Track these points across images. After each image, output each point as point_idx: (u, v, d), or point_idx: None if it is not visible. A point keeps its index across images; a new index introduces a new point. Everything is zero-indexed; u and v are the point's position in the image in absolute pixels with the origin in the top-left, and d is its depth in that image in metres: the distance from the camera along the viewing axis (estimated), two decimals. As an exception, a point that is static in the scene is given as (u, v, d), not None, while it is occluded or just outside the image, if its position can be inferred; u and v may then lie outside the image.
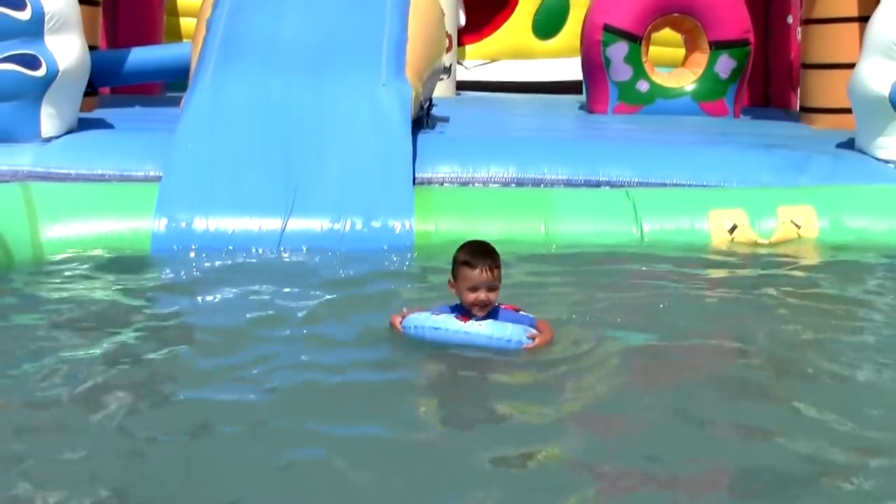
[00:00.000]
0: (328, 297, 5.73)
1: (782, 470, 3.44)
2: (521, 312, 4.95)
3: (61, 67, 7.83)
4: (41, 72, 7.76)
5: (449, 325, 4.78)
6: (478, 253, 4.84)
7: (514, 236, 6.54)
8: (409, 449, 3.62)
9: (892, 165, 8.13)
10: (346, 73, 7.94)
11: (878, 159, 8.20)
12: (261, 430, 3.75)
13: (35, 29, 7.73)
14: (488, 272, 4.77)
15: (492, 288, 4.80)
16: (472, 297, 4.78)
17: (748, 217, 6.93)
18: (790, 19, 14.09)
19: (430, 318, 4.83)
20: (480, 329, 4.75)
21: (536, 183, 7.58)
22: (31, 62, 7.72)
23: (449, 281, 4.94)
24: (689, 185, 7.62)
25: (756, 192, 7.32)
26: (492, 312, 4.85)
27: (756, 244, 6.86)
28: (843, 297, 5.93)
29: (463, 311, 4.82)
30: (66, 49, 7.89)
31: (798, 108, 12.25)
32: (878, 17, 8.28)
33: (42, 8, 7.73)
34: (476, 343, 4.73)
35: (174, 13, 15.85)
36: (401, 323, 4.89)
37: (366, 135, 7.44)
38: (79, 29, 8.07)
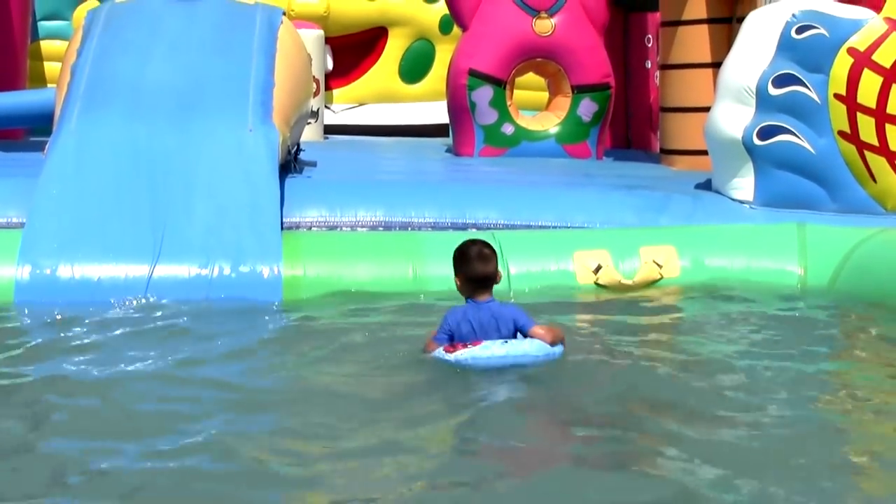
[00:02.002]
0: (197, 347, 5.66)
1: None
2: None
3: (-79, 113, 7.69)
4: None
5: (491, 351, 5.23)
6: (478, 247, 5.43)
7: (382, 280, 6.58)
8: None
9: (746, 205, 8.32)
10: (213, 118, 7.90)
11: (733, 199, 8.41)
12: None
13: None
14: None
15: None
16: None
17: (612, 257, 7.01)
18: (648, 64, 14.33)
19: (470, 352, 5.22)
20: (509, 351, 5.23)
21: (404, 226, 7.61)
22: None
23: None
24: (555, 227, 7.71)
25: (619, 232, 7.44)
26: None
27: (620, 284, 6.94)
28: (705, 334, 6.10)
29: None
30: (-73, 95, 7.76)
31: (658, 150, 12.44)
32: (730, 64, 8.52)
33: None
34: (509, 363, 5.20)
35: (38, 58, 15.61)
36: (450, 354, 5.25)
37: (233, 180, 7.41)
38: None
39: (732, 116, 8.32)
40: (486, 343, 5.22)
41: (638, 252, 7.09)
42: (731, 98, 8.37)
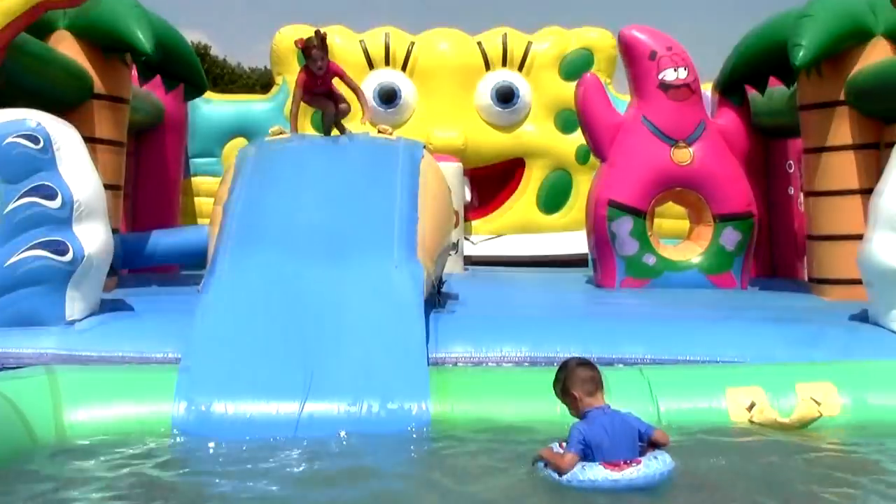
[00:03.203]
0: (346, 484, 5.67)
1: None
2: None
3: (87, 253, 7.95)
4: (68, 257, 7.86)
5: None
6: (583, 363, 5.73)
7: (530, 416, 6.49)
8: None
9: (910, 339, 7.97)
10: (360, 255, 8.02)
11: (894, 332, 8.08)
12: None
13: (64, 217, 7.88)
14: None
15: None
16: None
17: (766, 394, 6.77)
18: (791, 190, 14.19)
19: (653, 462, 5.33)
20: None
21: (549, 362, 7.50)
22: (59, 248, 7.84)
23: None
24: (704, 362, 7.57)
25: (773, 368, 7.20)
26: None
27: (776, 422, 6.65)
28: (871, 479, 5.76)
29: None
30: (92, 235, 8.01)
31: (807, 279, 12.24)
32: (886, 191, 8.20)
33: (72, 197, 7.88)
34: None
35: (190, 193, 16.06)
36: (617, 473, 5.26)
37: (380, 317, 7.45)
38: (104, 216, 8.19)
39: (889, 245, 8.02)
40: (644, 460, 5.31)
41: (794, 389, 6.79)
42: (887, 226, 8.07)
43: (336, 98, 9.97)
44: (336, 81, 10.08)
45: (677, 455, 5.62)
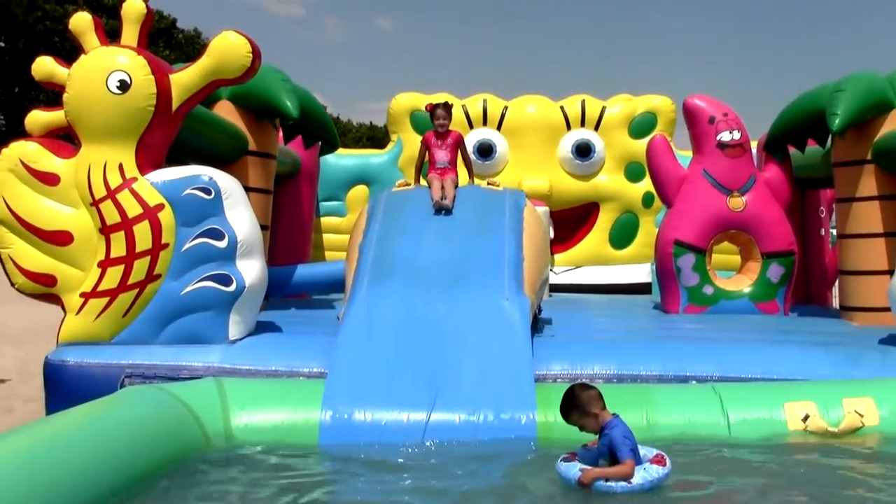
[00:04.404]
0: (466, 477, 5.74)
1: None
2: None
3: (247, 283, 7.98)
4: (232, 287, 7.90)
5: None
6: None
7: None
8: None
9: (932, 360, 7.85)
10: (476, 289, 7.96)
11: (919, 354, 7.95)
12: None
13: (229, 254, 7.92)
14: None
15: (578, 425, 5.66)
16: None
17: (818, 408, 6.70)
18: (822, 231, 14.16)
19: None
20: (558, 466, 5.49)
21: (634, 378, 7.45)
22: (224, 280, 7.88)
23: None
24: (763, 379, 7.41)
25: (822, 385, 7.08)
26: (604, 427, 5.52)
27: (827, 432, 6.58)
28: None
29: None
30: (251, 269, 8.04)
31: (836, 306, 12.12)
32: None
33: (236, 237, 7.92)
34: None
35: (318, 230, 16.21)
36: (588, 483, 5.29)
37: (494, 341, 7.40)
38: (261, 252, 8.24)
39: (914, 280, 7.95)
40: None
41: (841, 403, 6.74)
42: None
43: (451, 168, 9.89)
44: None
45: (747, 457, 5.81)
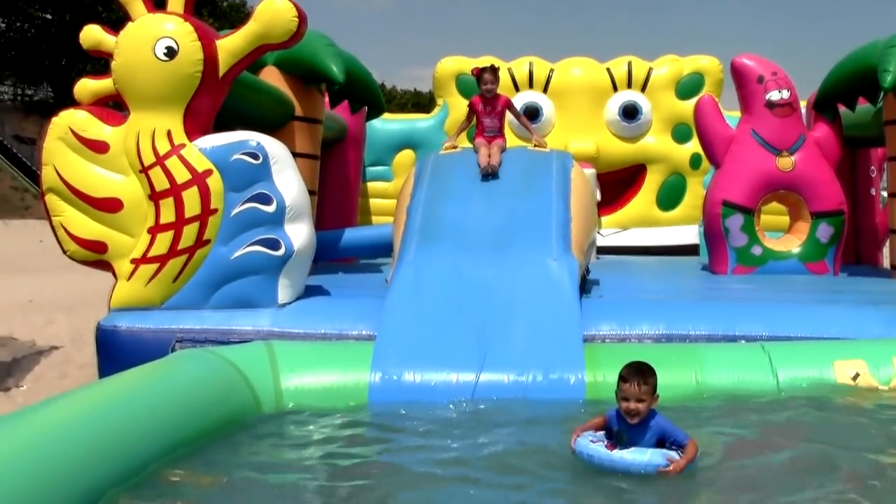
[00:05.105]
0: (517, 435, 5.75)
1: None
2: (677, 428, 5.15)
3: (296, 248, 8.02)
4: (281, 252, 7.95)
5: (599, 453, 5.01)
6: (632, 370, 5.18)
7: (668, 386, 6.32)
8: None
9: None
10: (524, 250, 7.95)
11: (969, 311, 7.84)
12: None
13: (278, 218, 7.95)
14: (636, 386, 5.12)
15: (640, 399, 5.10)
16: (624, 405, 5.11)
17: (868, 366, 6.64)
18: (873, 191, 13.99)
19: (587, 446, 5.06)
20: (624, 456, 4.95)
21: (682, 338, 7.42)
22: (273, 244, 7.93)
23: (616, 392, 5.22)
24: (813, 338, 7.34)
25: (873, 344, 7.01)
26: (647, 419, 5.11)
27: (877, 389, 6.53)
28: None
29: (622, 424, 5.14)
30: (299, 233, 8.08)
31: (886, 266, 12.04)
32: None
33: (284, 202, 7.96)
34: (620, 468, 4.92)
35: (365, 195, 16.22)
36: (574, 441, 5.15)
37: (542, 301, 7.40)
38: (309, 217, 8.27)
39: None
40: None
41: (891, 361, 6.67)
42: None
43: (499, 134, 9.83)
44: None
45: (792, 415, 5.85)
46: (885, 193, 12.55)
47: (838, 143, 11.88)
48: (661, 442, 5.09)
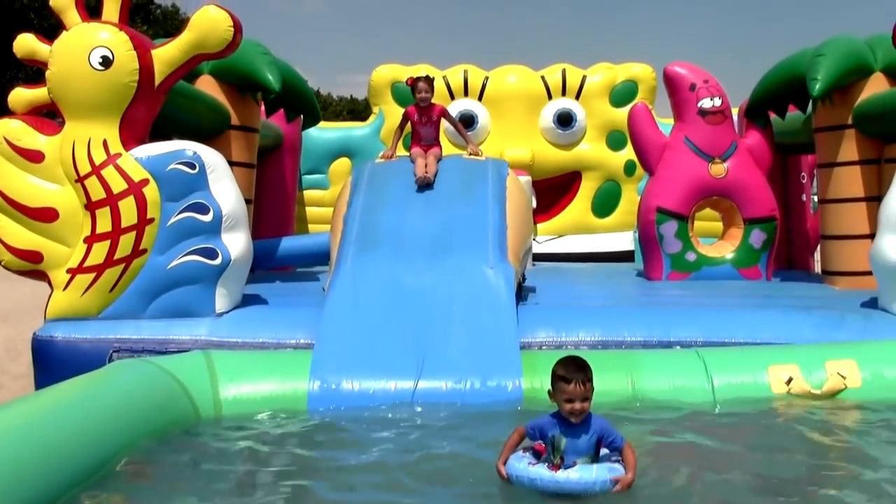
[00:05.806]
0: (454, 443, 5.78)
1: None
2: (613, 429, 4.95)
3: (233, 257, 8.03)
4: (218, 261, 7.96)
5: (542, 475, 4.75)
6: (572, 369, 4.88)
7: (605, 392, 6.41)
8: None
9: (913, 323, 7.92)
10: (461, 257, 7.98)
11: (900, 317, 8.03)
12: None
13: (215, 228, 7.97)
14: (580, 386, 4.82)
15: (585, 398, 4.83)
16: (568, 407, 4.82)
17: (801, 371, 6.77)
18: (804, 197, 14.26)
19: (527, 470, 4.81)
20: (569, 476, 4.70)
21: (619, 345, 7.52)
22: (210, 254, 7.94)
23: (549, 392, 4.99)
24: (747, 343, 7.49)
25: (806, 348, 7.15)
26: (586, 420, 4.86)
27: (810, 394, 6.66)
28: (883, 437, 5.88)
29: (562, 427, 4.84)
30: (236, 242, 8.09)
31: (818, 271, 12.30)
32: (891, 200, 8.21)
33: (221, 211, 7.98)
34: (567, 490, 4.70)
35: (301, 203, 16.21)
36: (504, 466, 4.92)
37: (479, 309, 7.45)
38: (246, 226, 8.28)
39: (894, 244, 8.08)
40: None
41: (824, 366, 6.80)
42: (892, 229, 8.12)
43: (435, 143, 9.89)
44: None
45: (727, 421, 5.86)
46: (815, 199, 12.82)
47: (770, 149, 12.12)
48: (599, 442, 4.93)
